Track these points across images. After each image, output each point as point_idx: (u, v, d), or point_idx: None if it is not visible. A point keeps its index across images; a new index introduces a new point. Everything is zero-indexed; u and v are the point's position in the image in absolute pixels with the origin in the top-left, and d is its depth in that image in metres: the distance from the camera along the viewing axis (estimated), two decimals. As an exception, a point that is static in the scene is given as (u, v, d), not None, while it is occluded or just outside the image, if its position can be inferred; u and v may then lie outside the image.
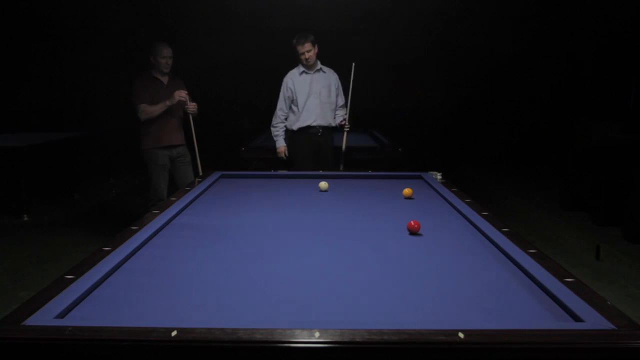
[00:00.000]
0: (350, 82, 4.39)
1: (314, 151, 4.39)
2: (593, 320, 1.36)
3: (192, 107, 4.18)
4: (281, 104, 4.42)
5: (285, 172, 3.77)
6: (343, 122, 4.42)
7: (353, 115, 4.48)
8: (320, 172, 3.70)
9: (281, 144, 4.41)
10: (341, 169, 4.46)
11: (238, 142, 5.18)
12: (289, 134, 4.45)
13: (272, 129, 4.48)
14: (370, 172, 3.77)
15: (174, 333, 1.26)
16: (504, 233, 2.13)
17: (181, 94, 4.08)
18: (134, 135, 4.25)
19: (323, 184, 3.11)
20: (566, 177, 5.77)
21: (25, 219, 5.29)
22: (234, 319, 1.40)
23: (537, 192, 6.45)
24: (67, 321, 1.37)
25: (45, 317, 1.37)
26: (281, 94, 4.42)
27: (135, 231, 2.14)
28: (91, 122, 7.10)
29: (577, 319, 1.40)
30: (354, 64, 4.34)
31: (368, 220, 2.52)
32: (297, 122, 4.37)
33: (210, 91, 6.79)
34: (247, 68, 4.60)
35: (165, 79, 4.24)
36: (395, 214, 2.58)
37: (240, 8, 6.79)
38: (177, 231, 2.29)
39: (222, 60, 7.14)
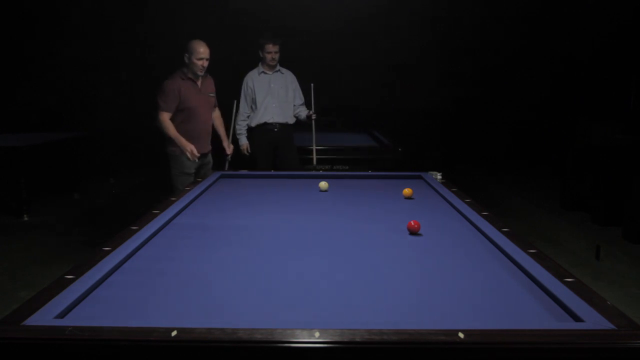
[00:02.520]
0: (311, 99, 4.60)
1: (272, 146, 4.60)
2: (593, 320, 1.36)
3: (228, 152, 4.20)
4: (243, 103, 4.61)
5: (284, 172, 3.78)
6: (310, 113, 4.56)
7: (353, 115, 4.49)
8: (321, 172, 3.70)
9: (243, 142, 4.60)
10: (314, 164, 4.53)
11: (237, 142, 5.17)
12: (249, 130, 4.64)
13: (236, 127, 4.63)
14: (370, 172, 3.77)
15: (174, 333, 1.26)
16: (504, 233, 2.13)
17: (194, 157, 3.81)
18: (134, 135, 4.22)
19: (323, 184, 3.12)
20: (566, 177, 5.77)
21: (25, 219, 5.28)
22: (234, 319, 1.40)
23: (537, 192, 6.44)
24: (67, 321, 1.38)
25: (45, 317, 1.37)
26: (242, 93, 4.62)
27: (135, 231, 2.14)
28: (91, 122, 7.09)
29: (577, 319, 1.40)
30: (312, 84, 4.58)
31: (368, 220, 2.52)
32: (255, 119, 4.58)
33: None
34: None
35: (199, 81, 3.92)
36: (395, 214, 2.58)
37: (240, 8, 6.79)
38: (177, 231, 2.29)
39: (222, 61, 7.14)
